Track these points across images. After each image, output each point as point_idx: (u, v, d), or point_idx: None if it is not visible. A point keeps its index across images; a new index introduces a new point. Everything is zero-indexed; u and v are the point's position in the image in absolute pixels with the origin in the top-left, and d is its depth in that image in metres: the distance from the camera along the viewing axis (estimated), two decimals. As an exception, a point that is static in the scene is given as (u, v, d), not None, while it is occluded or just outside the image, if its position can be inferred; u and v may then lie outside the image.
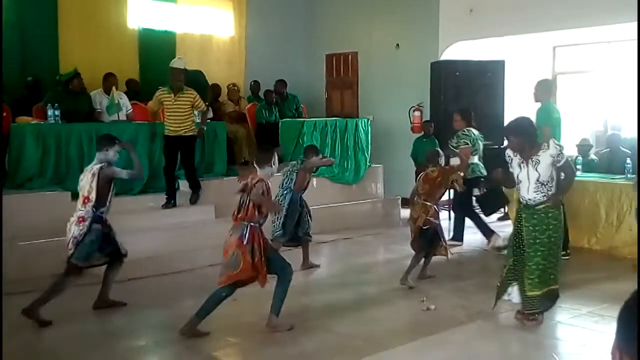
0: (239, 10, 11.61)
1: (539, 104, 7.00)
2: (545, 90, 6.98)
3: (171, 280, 6.29)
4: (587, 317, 5.23)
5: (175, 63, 9.27)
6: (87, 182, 5.19)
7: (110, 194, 5.25)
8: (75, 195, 7.00)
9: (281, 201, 6.33)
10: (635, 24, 6.68)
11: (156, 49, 10.53)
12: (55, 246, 6.43)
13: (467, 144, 7.29)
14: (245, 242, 4.49)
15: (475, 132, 7.53)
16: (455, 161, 7.36)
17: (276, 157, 4.86)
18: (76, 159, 7.33)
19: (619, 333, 1.29)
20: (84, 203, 5.15)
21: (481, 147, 7.60)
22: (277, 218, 6.35)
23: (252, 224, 4.55)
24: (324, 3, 12.37)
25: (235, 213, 4.63)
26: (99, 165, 5.20)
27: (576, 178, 7.80)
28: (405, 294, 5.80)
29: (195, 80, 9.37)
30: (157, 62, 10.55)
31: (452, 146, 7.44)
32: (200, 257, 6.68)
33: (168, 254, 6.86)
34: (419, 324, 4.96)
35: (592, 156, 8.77)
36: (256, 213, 4.56)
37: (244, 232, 4.51)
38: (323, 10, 12.36)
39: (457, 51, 10.57)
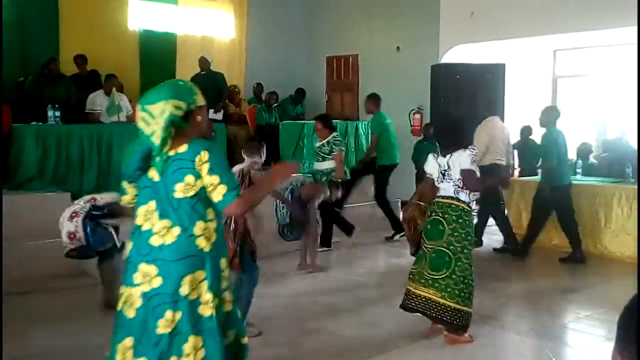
0: (239, 12, 11.63)
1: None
2: (375, 103, 8.31)
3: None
4: (587, 321, 5.23)
5: (207, 55, 9.54)
6: (110, 196, 5.25)
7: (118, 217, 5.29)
8: (74, 197, 7.04)
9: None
10: (636, 28, 6.69)
11: (157, 51, 10.57)
12: (55, 247, 6.42)
13: (342, 150, 7.31)
14: (230, 228, 4.49)
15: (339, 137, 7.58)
16: (328, 165, 7.31)
17: (264, 150, 4.87)
18: (76, 161, 7.33)
19: (619, 337, 1.29)
20: (88, 201, 5.20)
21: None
22: (282, 208, 6.37)
23: None
24: (324, 5, 12.38)
25: None
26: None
27: (576, 182, 7.91)
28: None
29: (217, 81, 9.66)
30: (157, 63, 10.59)
31: (323, 153, 7.38)
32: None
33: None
34: (418, 327, 4.94)
35: (592, 160, 8.77)
36: None
37: (227, 220, 4.49)
38: (324, 13, 12.37)
39: (458, 54, 10.57)
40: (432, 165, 4.64)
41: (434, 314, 4.57)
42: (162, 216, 2.73)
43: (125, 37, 10.26)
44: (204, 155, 2.70)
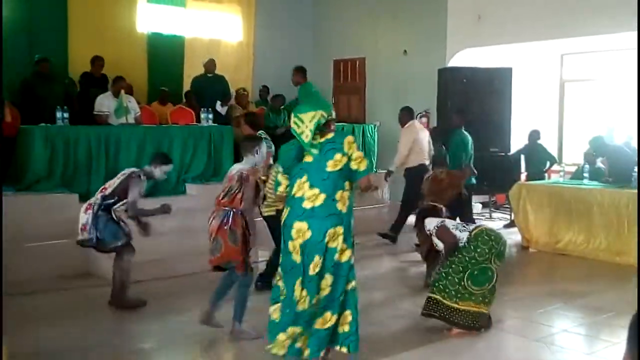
0: (247, 15, 11.68)
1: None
2: (302, 75, 8.47)
3: (174, 284, 6.30)
4: (593, 325, 5.22)
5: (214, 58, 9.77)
6: (116, 177, 5.40)
7: (127, 197, 5.32)
8: (82, 198, 7.07)
9: None
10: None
11: (165, 53, 10.63)
12: (62, 248, 6.47)
13: (269, 148, 7.15)
14: (226, 227, 4.51)
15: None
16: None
17: (263, 147, 4.85)
18: (84, 162, 7.36)
19: (630, 341, 1.29)
20: (100, 191, 5.34)
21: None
22: None
23: (234, 210, 4.55)
24: (332, 9, 12.41)
25: (220, 197, 4.64)
26: (136, 170, 5.39)
27: (584, 186, 7.90)
28: (410, 300, 5.79)
29: (223, 83, 9.80)
30: (165, 66, 10.64)
31: None
32: (204, 261, 6.68)
33: (172, 257, 6.84)
34: (424, 330, 4.94)
35: (599, 164, 8.75)
36: (241, 203, 4.58)
37: (225, 218, 4.53)
38: (331, 16, 12.40)
39: (465, 58, 10.57)
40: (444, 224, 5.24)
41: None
42: (312, 186, 3.75)
43: (133, 40, 10.32)
44: (350, 138, 3.81)
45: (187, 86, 10.52)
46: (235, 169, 4.73)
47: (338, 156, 3.75)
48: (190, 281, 6.44)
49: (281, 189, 3.99)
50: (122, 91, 8.41)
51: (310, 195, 3.74)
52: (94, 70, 9.16)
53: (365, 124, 10.51)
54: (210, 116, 8.62)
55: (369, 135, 9.84)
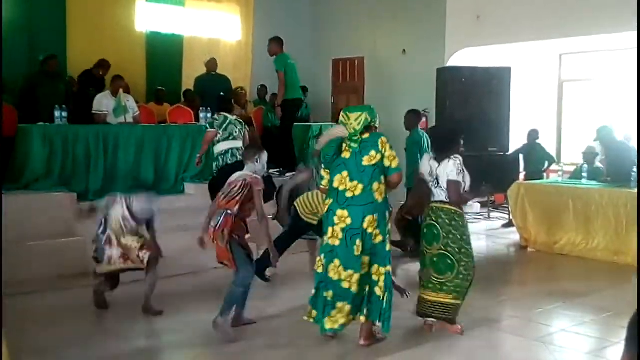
0: (246, 14, 11.69)
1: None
2: (278, 45, 8.66)
3: (175, 283, 6.29)
4: (591, 325, 5.23)
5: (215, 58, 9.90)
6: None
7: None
8: (81, 197, 7.07)
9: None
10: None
11: (164, 52, 10.64)
12: (61, 247, 6.47)
13: (210, 130, 7.02)
14: (217, 229, 4.60)
15: (233, 117, 7.24)
16: (224, 146, 7.01)
17: (263, 156, 4.90)
18: (83, 161, 7.36)
19: (629, 340, 1.30)
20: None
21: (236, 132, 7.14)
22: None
23: (228, 212, 4.62)
24: (330, 8, 12.41)
25: (220, 199, 4.71)
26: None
27: (582, 186, 7.91)
28: (410, 300, 5.79)
29: (225, 82, 9.89)
30: (164, 65, 10.65)
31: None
32: (205, 260, 6.68)
33: (170, 256, 6.81)
34: (420, 330, 4.94)
35: (598, 164, 8.76)
36: (236, 207, 4.64)
37: (219, 219, 4.61)
38: (330, 16, 12.40)
39: (464, 57, 10.58)
40: (426, 166, 4.78)
41: (443, 316, 4.76)
42: (351, 179, 4.27)
43: (132, 39, 10.32)
44: (384, 139, 4.32)
45: (185, 85, 10.53)
46: (236, 176, 4.79)
47: (373, 153, 4.25)
48: (190, 280, 6.45)
49: (324, 182, 4.43)
50: (121, 90, 8.41)
51: (350, 187, 4.25)
52: (96, 72, 9.13)
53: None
54: (209, 115, 8.62)
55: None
